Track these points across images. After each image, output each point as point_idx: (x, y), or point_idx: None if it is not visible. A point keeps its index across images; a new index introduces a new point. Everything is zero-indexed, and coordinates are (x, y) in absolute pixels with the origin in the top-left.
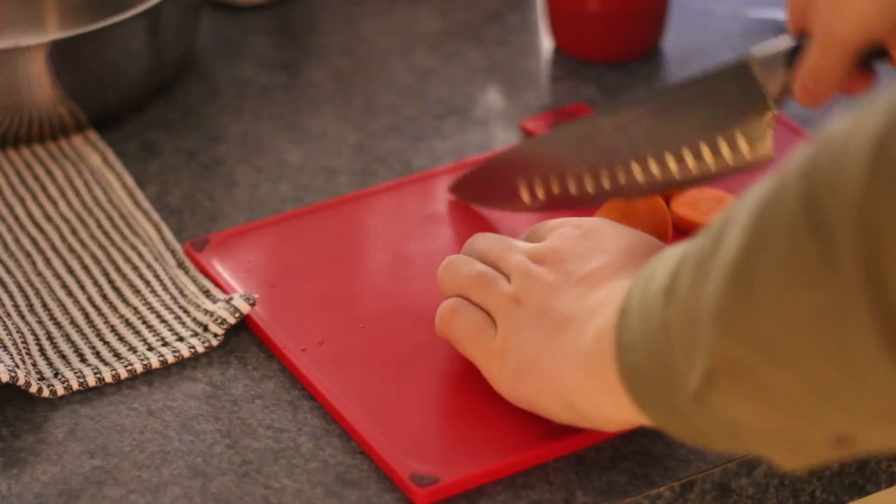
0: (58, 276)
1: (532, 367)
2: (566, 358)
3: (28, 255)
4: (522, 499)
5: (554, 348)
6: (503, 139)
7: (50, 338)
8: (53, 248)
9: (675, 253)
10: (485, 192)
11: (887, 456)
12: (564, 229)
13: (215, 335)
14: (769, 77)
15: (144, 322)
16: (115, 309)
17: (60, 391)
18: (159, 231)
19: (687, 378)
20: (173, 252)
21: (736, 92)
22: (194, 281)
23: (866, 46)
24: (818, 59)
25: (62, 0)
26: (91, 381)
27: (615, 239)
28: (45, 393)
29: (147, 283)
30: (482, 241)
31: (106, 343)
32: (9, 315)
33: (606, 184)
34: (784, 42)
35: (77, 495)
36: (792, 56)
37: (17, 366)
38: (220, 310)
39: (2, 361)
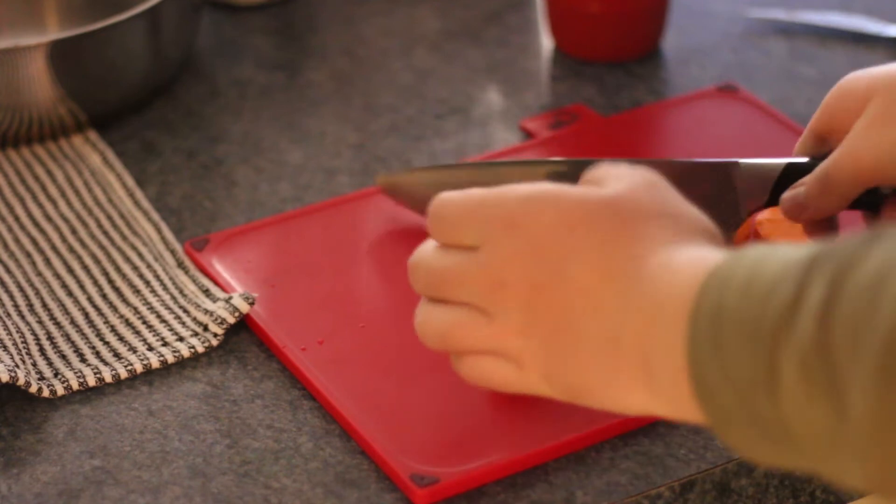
0: (58, 276)
1: (581, 390)
2: (612, 378)
3: (28, 255)
4: (522, 499)
5: (597, 370)
6: (503, 139)
7: (50, 338)
8: (53, 248)
9: (794, 280)
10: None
11: None
12: (486, 230)
13: (215, 335)
14: (748, 192)
15: (144, 322)
16: (115, 309)
17: (60, 391)
18: (159, 231)
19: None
20: (173, 252)
21: (712, 192)
22: (194, 281)
23: (873, 183)
24: (826, 177)
25: (62, 0)
26: (91, 381)
27: (545, 217)
28: (45, 393)
29: (147, 283)
30: (420, 281)
31: (106, 343)
32: (9, 315)
33: None
34: (773, 163)
35: (77, 495)
36: (782, 177)
37: (17, 366)
38: (220, 309)
39: (2, 361)
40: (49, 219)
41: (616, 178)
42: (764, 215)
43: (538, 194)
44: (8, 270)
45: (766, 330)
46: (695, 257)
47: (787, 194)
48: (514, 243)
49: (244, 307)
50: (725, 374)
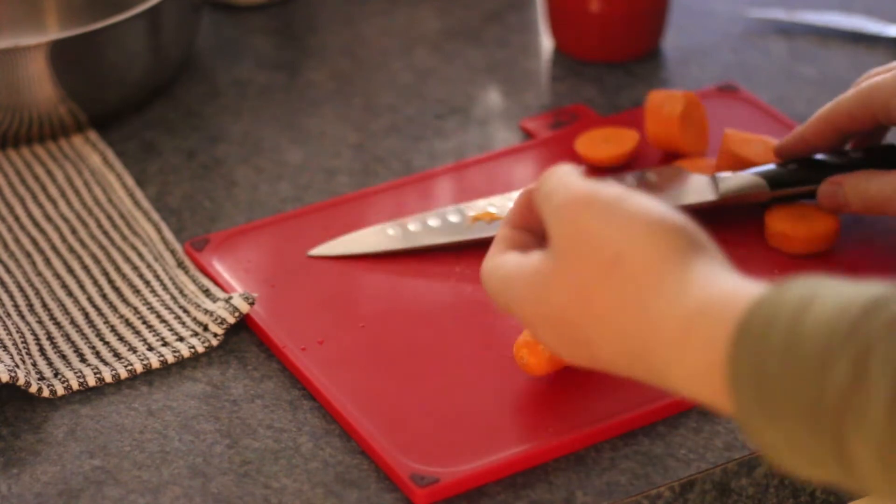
0: (58, 276)
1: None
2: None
3: (28, 255)
4: (522, 499)
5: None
6: (503, 139)
7: (50, 338)
8: (53, 248)
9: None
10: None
11: None
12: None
13: (215, 335)
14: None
15: (144, 322)
16: (115, 309)
17: (60, 391)
18: (159, 231)
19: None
20: (173, 252)
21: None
22: (194, 281)
23: None
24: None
25: (62, 0)
26: (91, 381)
27: (512, 295)
28: (45, 393)
29: (147, 283)
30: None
31: (106, 343)
32: (9, 315)
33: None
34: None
35: (77, 495)
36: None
37: (17, 366)
38: (220, 309)
39: (2, 361)
40: (49, 219)
41: (553, 215)
42: (774, 211)
43: (500, 274)
44: (8, 270)
45: (828, 413)
46: (697, 304)
47: (824, 192)
48: (518, 316)
49: (244, 307)
50: (784, 440)
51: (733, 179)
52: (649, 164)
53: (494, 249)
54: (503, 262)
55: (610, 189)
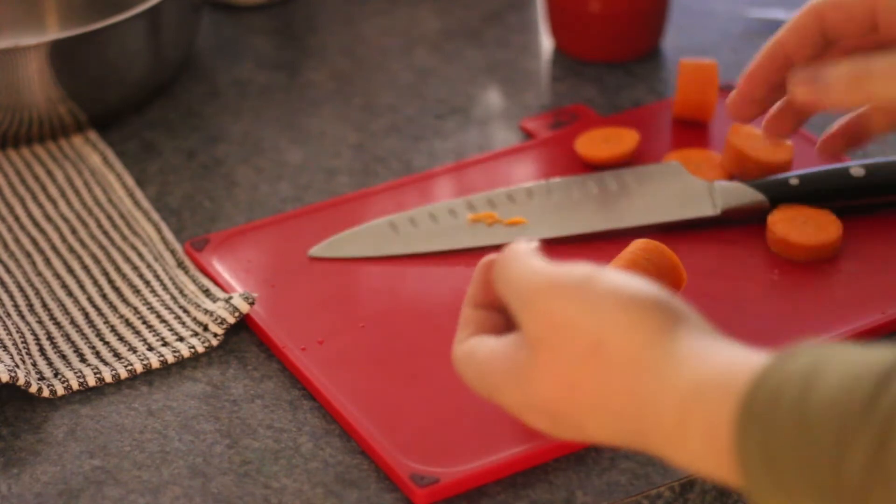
0: (58, 276)
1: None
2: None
3: (28, 255)
4: (522, 499)
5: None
6: (503, 139)
7: (50, 338)
8: (53, 248)
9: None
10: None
11: None
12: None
13: (215, 335)
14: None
15: (144, 322)
16: (115, 309)
17: (60, 391)
18: (159, 231)
19: None
20: (173, 252)
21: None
22: (194, 281)
23: None
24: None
25: (62, 0)
26: (91, 381)
27: (489, 382)
28: (45, 393)
29: (147, 283)
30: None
31: (106, 343)
32: (9, 315)
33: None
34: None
35: (77, 495)
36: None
37: (17, 366)
38: (220, 309)
39: (2, 361)
40: (49, 219)
41: (520, 303)
42: (776, 216)
43: (475, 362)
44: (8, 270)
45: (851, 490)
46: (691, 384)
47: (800, 79)
48: (502, 405)
49: (244, 307)
50: None
51: (734, 194)
52: (649, 163)
53: (462, 333)
54: (474, 350)
55: (576, 271)
